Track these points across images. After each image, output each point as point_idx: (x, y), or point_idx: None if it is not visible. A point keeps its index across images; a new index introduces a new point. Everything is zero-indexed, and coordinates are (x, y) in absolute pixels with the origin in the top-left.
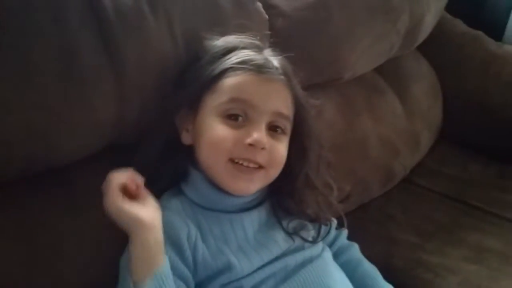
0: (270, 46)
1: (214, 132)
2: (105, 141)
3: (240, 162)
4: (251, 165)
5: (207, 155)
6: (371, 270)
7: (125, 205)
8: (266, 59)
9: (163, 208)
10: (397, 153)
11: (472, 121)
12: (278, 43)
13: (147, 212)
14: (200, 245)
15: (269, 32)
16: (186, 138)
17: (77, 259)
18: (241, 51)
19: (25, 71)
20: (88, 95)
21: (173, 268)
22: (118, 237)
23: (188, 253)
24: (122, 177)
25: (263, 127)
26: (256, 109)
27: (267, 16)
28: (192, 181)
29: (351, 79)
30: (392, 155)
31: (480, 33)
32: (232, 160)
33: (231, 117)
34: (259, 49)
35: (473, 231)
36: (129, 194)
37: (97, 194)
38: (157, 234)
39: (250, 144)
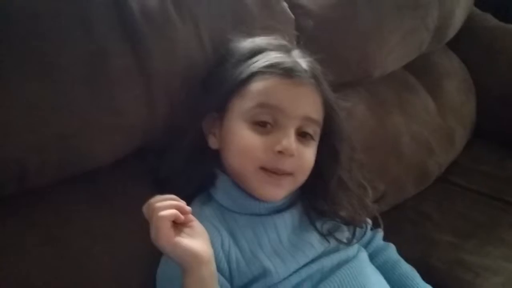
0: (298, 47)
1: (243, 139)
2: (135, 145)
3: (270, 170)
4: (279, 172)
5: (236, 162)
6: (409, 271)
7: (180, 241)
8: (294, 61)
9: (196, 216)
10: (431, 151)
11: (507, 117)
12: (306, 42)
13: (202, 245)
14: (234, 252)
15: (296, 32)
16: (213, 143)
17: (107, 261)
18: (269, 53)
19: (53, 76)
20: (116, 99)
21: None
22: (147, 241)
23: (224, 262)
24: (170, 208)
25: (292, 132)
26: (285, 114)
27: (293, 16)
28: (221, 185)
29: (381, 77)
30: (426, 154)
31: (511, 26)
32: (263, 168)
33: (260, 123)
34: (287, 50)
35: None
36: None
37: (128, 197)
38: (212, 267)
39: (280, 151)
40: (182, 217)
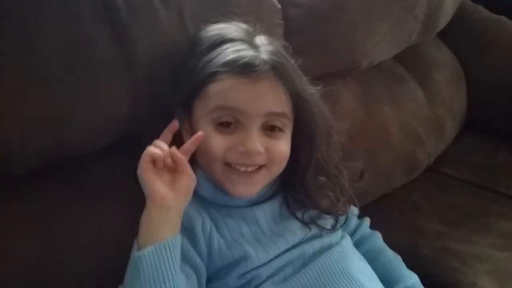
0: (263, 33)
1: (207, 140)
2: (118, 132)
3: (237, 167)
4: (249, 168)
5: (203, 162)
6: (394, 259)
7: (149, 176)
8: (253, 55)
9: None
10: (420, 142)
11: (497, 108)
12: (292, 32)
13: (164, 190)
14: (216, 236)
15: (282, 21)
16: (186, 138)
17: (93, 249)
18: (226, 46)
19: (36, 64)
20: (99, 87)
21: (185, 255)
22: (134, 228)
23: (202, 243)
24: (155, 150)
25: (255, 132)
26: (246, 114)
27: (279, 5)
28: (200, 181)
29: (370, 68)
30: (415, 144)
31: (503, 17)
32: (228, 164)
33: (223, 124)
34: (250, 38)
35: (501, 218)
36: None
37: (111, 185)
38: (165, 213)
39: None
40: (160, 161)
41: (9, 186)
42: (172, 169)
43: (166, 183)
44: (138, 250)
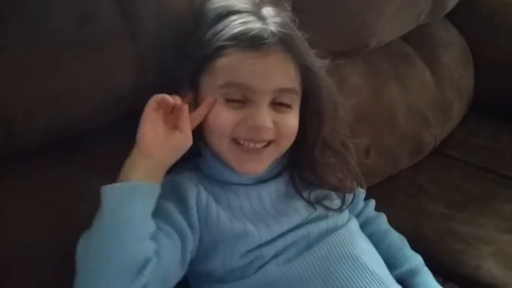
0: (271, 3)
1: (216, 115)
2: (125, 108)
3: (246, 143)
4: (258, 145)
5: (212, 138)
6: (398, 241)
7: (145, 118)
8: (261, 27)
9: (174, 174)
10: (427, 123)
11: (505, 91)
12: (301, 9)
13: (152, 138)
14: (214, 206)
15: None
16: (191, 112)
17: None
18: (233, 17)
19: (42, 39)
20: (106, 61)
21: (168, 216)
22: None
23: (193, 213)
24: (166, 96)
25: (265, 108)
26: (254, 91)
27: None
28: (205, 158)
29: (377, 48)
30: (422, 125)
31: None
32: (236, 141)
33: (232, 100)
34: (256, 8)
35: (506, 201)
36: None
37: (115, 160)
38: (146, 161)
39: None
40: (167, 107)
41: (12, 162)
42: (172, 125)
43: (159, 134)
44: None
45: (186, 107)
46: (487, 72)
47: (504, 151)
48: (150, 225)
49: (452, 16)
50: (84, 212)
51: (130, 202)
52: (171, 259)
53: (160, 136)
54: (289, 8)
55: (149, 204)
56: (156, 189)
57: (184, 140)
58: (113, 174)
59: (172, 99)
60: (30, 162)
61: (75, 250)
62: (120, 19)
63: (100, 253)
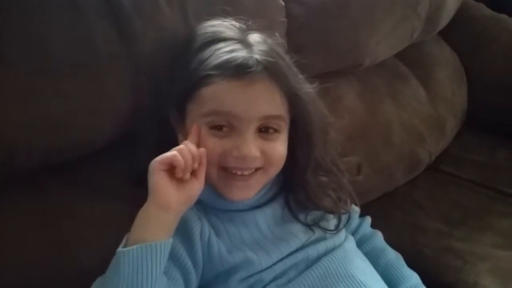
0: (258, 30)
1: (201, 144)
2: (123, 130)
3: (234, 171)
4: (246, 172)
5: None
6: (395, 259)
7: (157, 173)
8: (246, 56)
9: None
10: (422, 140)
11: (498, 106)
12: (295, 30)
13: (171, 192)
14: (215, 241)
15: (285, 19)
16: (180, 140)
17: (99, 246)
18: (219, 45)
19: (41, 60)
20: (104, 84)
21: (176, 257)
22: None
23: (198, 248)
24: (169, 156)
25: (250, 137)
26: (240, 119)
27: (283, 3)
28: None
29: (371, 66)
30: (417, 142)
31: (504, 16)
32: (224, 168)
33: (217, 127)
34: (244, 36)
35: (503, 217)
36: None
37: (115, 182)
38: (164, 215)
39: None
40: (179, 171)
41: (12, 182)
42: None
43: (174, 184)
44: (126, 245)
45: (204, 153)
46: (480, 88)
47: (499, 166)
48: (163, 281)
49: (445, 33)
50: (82, 234)
51: (148, 266)
52: None
53: (175, 186)
54: (276, 34)
55: (165, 259)
56: (171, 242)
57: (200, 188)
58: (111, 195)
59: (181, 158)
60: (30, 184)
61: (73, 272)
62: (118, 42)
63: None
